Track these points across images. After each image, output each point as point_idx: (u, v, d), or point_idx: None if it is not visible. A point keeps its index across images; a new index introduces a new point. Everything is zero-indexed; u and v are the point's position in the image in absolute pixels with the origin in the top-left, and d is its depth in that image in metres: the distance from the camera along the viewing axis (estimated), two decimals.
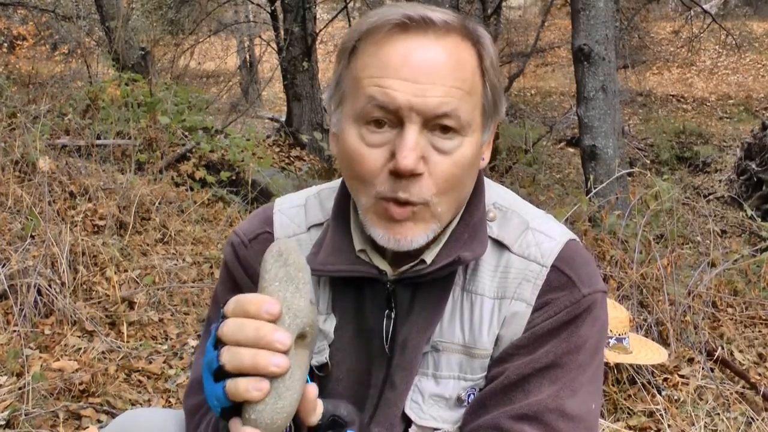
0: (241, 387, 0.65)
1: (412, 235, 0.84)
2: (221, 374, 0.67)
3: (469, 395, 0.91)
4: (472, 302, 0.91)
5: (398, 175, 0.81)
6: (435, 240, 0.90)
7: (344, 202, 0.94)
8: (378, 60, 0.82)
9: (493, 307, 0.90)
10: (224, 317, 0.69)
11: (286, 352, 0.66)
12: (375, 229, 0.85)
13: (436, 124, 0.82)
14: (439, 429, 0.91)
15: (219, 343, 0.67)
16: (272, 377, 0.66)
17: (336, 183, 0.98)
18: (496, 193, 0.96)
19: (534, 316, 0.89)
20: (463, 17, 0.87)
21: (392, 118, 0.82)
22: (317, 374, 0.93)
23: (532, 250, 0.91)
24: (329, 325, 0.93)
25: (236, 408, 0.68)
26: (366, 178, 0.84)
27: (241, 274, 0.96)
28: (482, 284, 0.91)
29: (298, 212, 0.99)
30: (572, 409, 0.86)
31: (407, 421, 0.91)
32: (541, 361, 0.87)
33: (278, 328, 0.66)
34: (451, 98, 0.82)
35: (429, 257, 0.89)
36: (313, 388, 0.72)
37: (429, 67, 0.81)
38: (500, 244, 0.92)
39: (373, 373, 0.92)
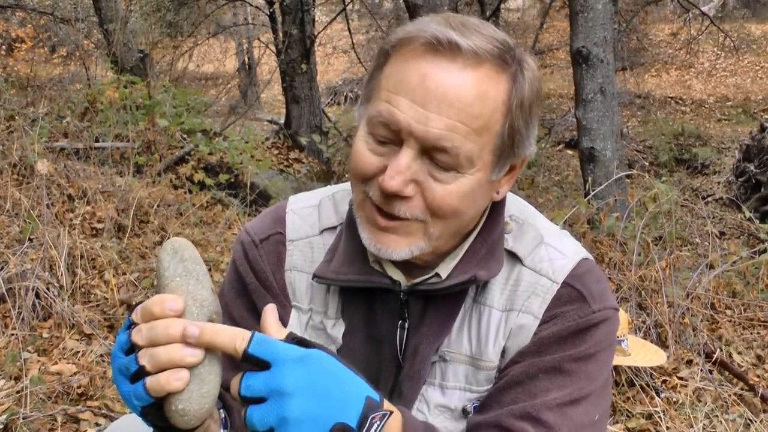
0: (163, 380, 0.68)
1: (395, 247, 0.84)
2: (138, 376, 0.69)
3: (474, 407, 0.91)
4: (481, 313, 0.90)
5: (384, 193, 0.81)
6: (451, 253, 0.89)
7: None
8: (398, 75, 0.81)
9: (500, 319, 0.90)
10: (132, 324, 0.71)
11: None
12: (362, 231, 0.86)
13: (434, 154, 0.80)
14: None
15: (133, 348, 0.70)
16: (191, 367, 0.69)
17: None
18: (512, 205, 0.96)
19: (541, 328, 0.88)
20: (509, 46, 0.82)
21: (394, 137, 0.81)
22: None
23: (544, 265, 0.90)
24: (337, 330, 0.93)
25: (157, 405, 0.70)
26: (360, 178, 0.84)
27: (250, 275, 0.96)
28: (492, 296, 0.90)
29: (311, 213, 0.98)
30: (577, 417, 0.84)
31: None
32: (547, 363, 0.85)
33: (187, 322, 0.69)
34: (453, 134, 0.78)
35: (444, 271, 0.89)
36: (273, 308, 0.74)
37: (441, 95, 0.78)
38: (513, 256, 0.91)
39: (382, 381, 0.92)
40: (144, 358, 0.68)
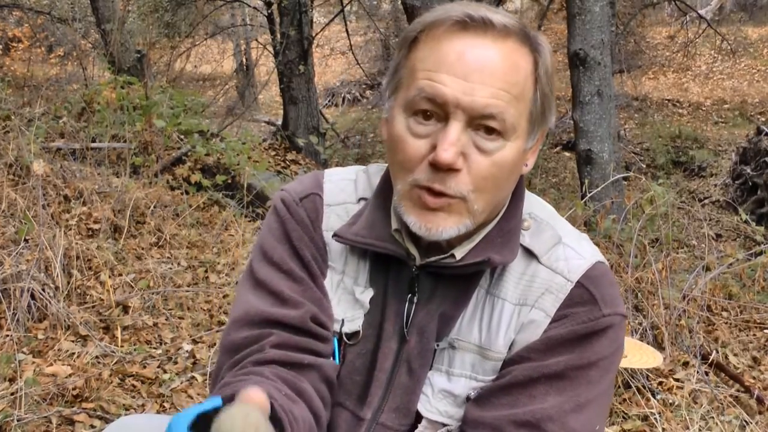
0: None
1: (444, 226, 0.86)
2: None
3: (475, 394, 0.92)
4: (493, 305, 0.92)
5: (436, 167, 0.83)
6: (468, 238, 0.92)
7: (389, 182, 0.95)
8: (434, 54, 0.84)
9: (512, 312, 0.92)
10: None
11: None
12: (408, 216, 0.88)
13: (481, 123, 0.84)
14: (450, 426, 0.92)
15: None
16: None
17: (385, 164, 1.00)
18: (533, 204, 0.98)
19: (550, 327, 0.90)
20: (524, 24, 0.88)
21: (439, 111, 0.84)
22: (346, 342, 0.95)
23: (561, 264, 0.92)
24: (366, 295, 0.95)
25: None
26: (406, 165, 0.86)
27: (293, 224, 0.98)
28: (506, 289, 0.92)
29: (348, 185, 1.02)
30: (575, 425, 0.86)
31: (416, 413, 0.93)
32: (550, 368, 0.87)
33: None
34: (498, 101, 0.83)
35: (459, 253, 0.91)
36: None
37: (481, 67, 0.83)
38: (530, 253, 0.93)
39: (381, 355, 0.93)
40: None
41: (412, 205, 0.87)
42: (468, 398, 0.92)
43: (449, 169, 0.83)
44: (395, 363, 0.93)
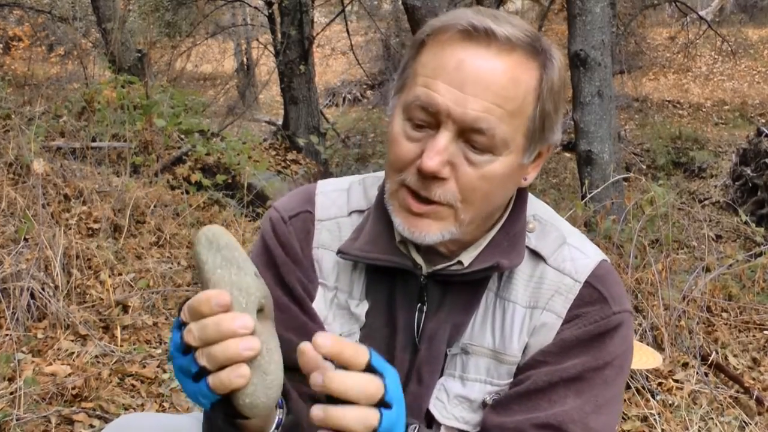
0: (225, 379, 0.68)
1: (427, 231, 0.86)
2: (200, 375, 0.69)
3: (493, 400, 0.92)
4: (504, 309, 0.93)
5: (422, 174, 0.83)
6: (474, 243, 0.92)
7: None
8: (435, 61, 0.84)
9: (524, 315, 0.92)
10: (183, 324, 0.70)
11: (252, 333, 0.69)
12: (395, 216, 0.88)
13: (470, 136, 0.83)
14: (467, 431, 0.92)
15: (189, 348, 0.70)
16: (250, 360, 0.68)
17: (381, 173, 1.00)
18: (536, 206, 0.98)
19: (563, 328, 0.90)
20: (537, 36, 0.87)
21: (431, 120, 0.84)
22: None
23: (567, 264, 0.92)
24: (361, 309, 0.95)
25: (225, 398, 0.70)
26: (397, 165, 0.87)
27: (278, 250, 0.97)
28: (515, 292, 0.93)
29: (340, 196, 1.01)
30: (596, 425, 0.87)
31: (428, 419, 0.93)
32: (568, 372, 0.88)
33: (236, 315, 0.68)
34: (489, 115, 0.82)
35: (466, 259, 0.91)
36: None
37: (477, 79, 0.82)
38: (537, 255, 0.93)
39: (396, 365, 0.93)
40: (202, 358, 0.68)
41: (399, 206, 0.88)
42: (484, 403, 0.92)
43: (434, 177, 0.83)
44: (409, 373, 0.93)
